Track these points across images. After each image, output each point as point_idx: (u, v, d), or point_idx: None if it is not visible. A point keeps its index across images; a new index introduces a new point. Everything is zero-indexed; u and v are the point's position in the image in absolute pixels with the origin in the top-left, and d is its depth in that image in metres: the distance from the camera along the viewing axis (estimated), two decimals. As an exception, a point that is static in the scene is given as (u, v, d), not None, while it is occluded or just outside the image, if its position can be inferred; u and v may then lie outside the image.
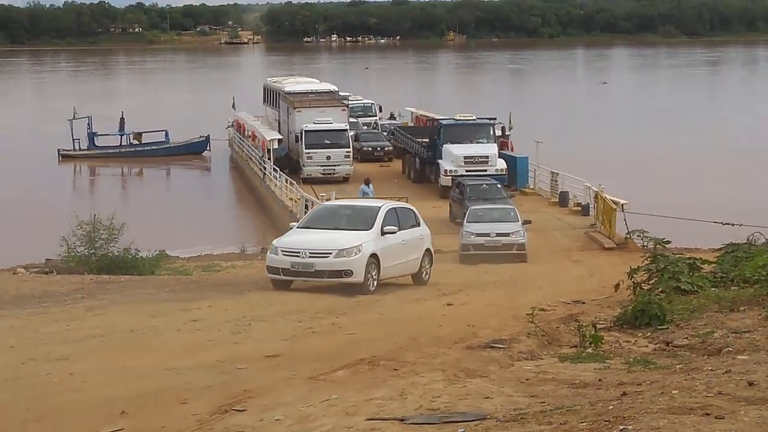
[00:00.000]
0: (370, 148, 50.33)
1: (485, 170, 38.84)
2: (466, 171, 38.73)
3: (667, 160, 53.53)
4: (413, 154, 43.97)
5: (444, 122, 42.84)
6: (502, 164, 39.76)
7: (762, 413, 7.57)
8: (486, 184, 35.15)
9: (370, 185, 37.15)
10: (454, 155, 39.55)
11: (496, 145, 40.94)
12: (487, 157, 39.55)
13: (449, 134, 40.82)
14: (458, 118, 43.14)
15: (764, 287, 13.92)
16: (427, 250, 22.93)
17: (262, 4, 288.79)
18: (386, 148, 49.92)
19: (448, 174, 39.05)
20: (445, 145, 40.28)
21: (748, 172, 48.93)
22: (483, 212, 31.17)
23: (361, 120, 56.00)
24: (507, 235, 29.77)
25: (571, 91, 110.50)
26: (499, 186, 35.26)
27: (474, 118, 43.05)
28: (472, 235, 29.87)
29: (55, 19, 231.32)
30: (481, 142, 40.72)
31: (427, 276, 22.89)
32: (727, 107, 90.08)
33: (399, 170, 46.57)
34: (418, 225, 22.92)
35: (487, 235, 29.68)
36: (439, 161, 40.28)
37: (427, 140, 42.52)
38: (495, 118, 43.22)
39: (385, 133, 52.39)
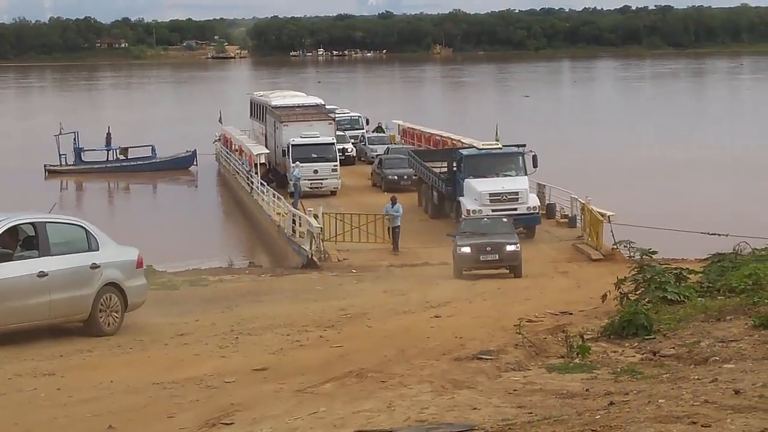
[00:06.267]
0: (396, 177, 44.80)
1: (515, 209, 33.46)
2: (492, 210, 32.97)
3: (648, 171, 53.69)
4: (430, 186, 38.10)
5: (465, 152, 36.55)
6: (534, 201, 34.75)
7: (748, 421, 7.60)
8: (487, 218, 30.82)
9: (396, 204, 33.74)
10: (477, 192, 33.94)
11: (527, 178, 35.31)
12: (516, 193, 34.07)
13: (471, 167, 35.01)
14: (482, 146, 37.26)
15: (750, 297, 13.96)
16: (113, 285, 16.61)
17: (248, 18, 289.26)
18: (413, 177, 42.87)
19: (471, 215, 32.87)
20: (466, 180, 34.57)
21: (730, 183, 49.14)
22: None
23: (348, 133, 56.00)
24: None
25: (492, 102, 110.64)
26: (504, 219, 30.23)
27: (500, 146, 37.24)
28: None
29: (41, 35, 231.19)
30: (509, 175, 35.07)
31: (116, 323, 16.69)
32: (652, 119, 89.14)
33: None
34: (94, 249, 16.55)
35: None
36: (460, 199, 34.51)
37: (445, 168, 37.03)
38: (524, 145, 37.15)
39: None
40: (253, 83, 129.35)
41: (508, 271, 28.20)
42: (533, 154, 36.41)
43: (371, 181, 47.60)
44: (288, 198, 40.46)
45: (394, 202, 34.06)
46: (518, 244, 28.36)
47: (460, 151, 37.72)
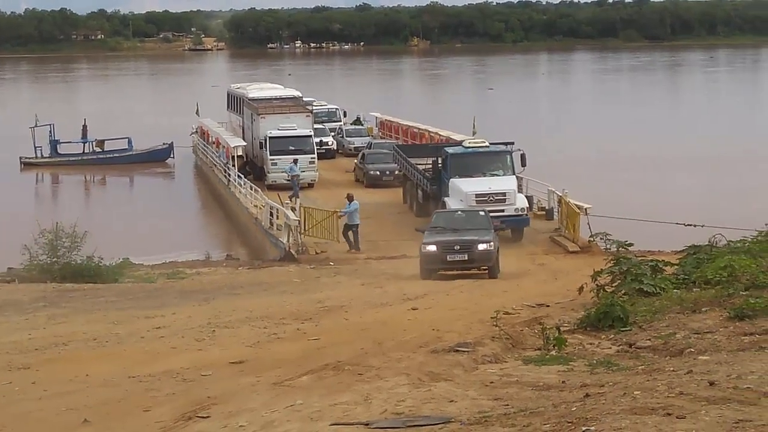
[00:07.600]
0: (378, 172, 43.14)
1: (502, 210, 31.60)
2: None
3: (623, 164, 53.86)
4: (415, 184, 36.54)
5: (450, 150, 34.63)
6: (523, 202, 32.83)
7: (723, 412, 7.63)
8: (461, 211, 29.04)
9: (353, 202, 32.21)
10: (463, 193, 32.24)
11: (515, 177, 33.51)
12: (504, 194, 32.19)
13: (457, 166, 33.38)
14: (467, 144, 35.20)
15: (725, 288, 14.04)
16: None
17: (225, 10, 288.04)
18: (396, 172, 41.00)
19: None
20: (452, 180, 32.91)
21: (704, 176, 49.40)
22: None
23: (327, 125, 55.89)
24: None
25: (454, 95, 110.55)
26: (482, 213, 28.03)
27: (486, 144, 35.14)
28: None
29: (16, 26, 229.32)
30: (497, 175, 33.40)
31: None
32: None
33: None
34: None
35: None
36: (445, 199, 32.67)
37: (430, 164, 35.09)
38: (512, 143, 35.34)
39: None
40: (230, 75, 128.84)
41: (485, 272, 25.60)
42: (521, 152, 34.76)
43: (354, 175, 47.15)
44: (265, 190, 40.25)
45: (350, 199, 32.61)
46: (492, 243, 25.58)
47: (445, 148, 35.80)
